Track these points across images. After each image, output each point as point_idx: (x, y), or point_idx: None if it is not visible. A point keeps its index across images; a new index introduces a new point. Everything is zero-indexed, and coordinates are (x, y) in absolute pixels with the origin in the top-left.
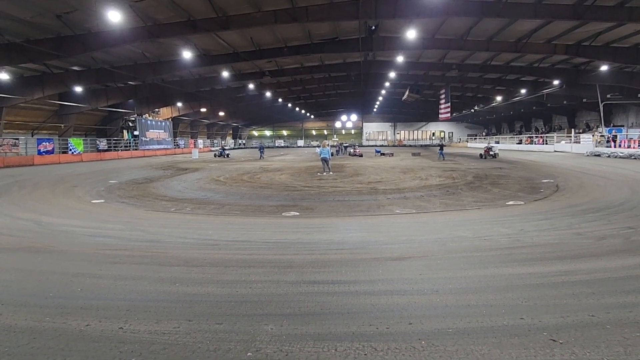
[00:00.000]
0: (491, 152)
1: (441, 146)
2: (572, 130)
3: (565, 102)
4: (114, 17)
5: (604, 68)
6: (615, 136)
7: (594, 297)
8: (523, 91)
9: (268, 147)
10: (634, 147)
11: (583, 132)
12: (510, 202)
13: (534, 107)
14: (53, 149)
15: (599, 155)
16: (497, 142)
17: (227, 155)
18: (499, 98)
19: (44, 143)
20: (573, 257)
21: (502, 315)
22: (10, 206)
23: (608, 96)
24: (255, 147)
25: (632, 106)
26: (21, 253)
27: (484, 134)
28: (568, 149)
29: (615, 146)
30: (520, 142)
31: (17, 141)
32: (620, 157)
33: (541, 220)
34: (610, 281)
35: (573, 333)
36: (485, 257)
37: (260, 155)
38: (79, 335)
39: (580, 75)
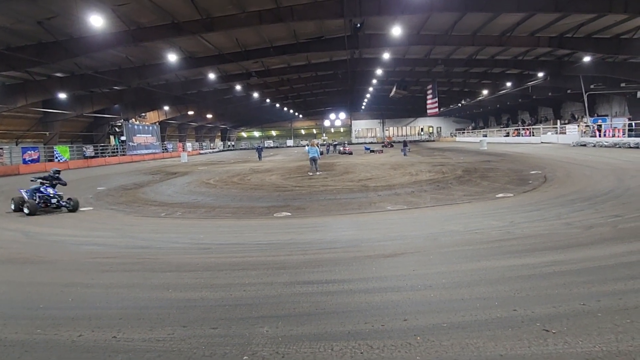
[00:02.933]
0: (391, 145)
1: (405, 142)
2: (558, 121)
3: (550, 93)
4: (96, 21)
5: (587, 59)
6: (600, 126)
7: (585, 286)
8: (508, 84)
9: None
10: (618, 136)
11: (568, 123)
12: (500, 195)
13: (520, 100)
14: (39, 157)
15: (584, 145)
16: (485, 136)
17: (57, 201)
18: (485, 92)
19: (29, 152)
20: (563, 247)
21: (495, 308)
22: None
23: (591, 87)
24: (245, 149)
25: (615, 96)
26: (9, 265)
27: (471, 127)
28: (554, 140)
29: (600, 136)
30: (507, 135)
31: (1, 150)
32: (606, 147)
33: (531, 211)
34: (600, 269)
35: (565, 322)
36: (477, 251)
37: (259, 156)
38: (72, 347)
39: (564, 67)
